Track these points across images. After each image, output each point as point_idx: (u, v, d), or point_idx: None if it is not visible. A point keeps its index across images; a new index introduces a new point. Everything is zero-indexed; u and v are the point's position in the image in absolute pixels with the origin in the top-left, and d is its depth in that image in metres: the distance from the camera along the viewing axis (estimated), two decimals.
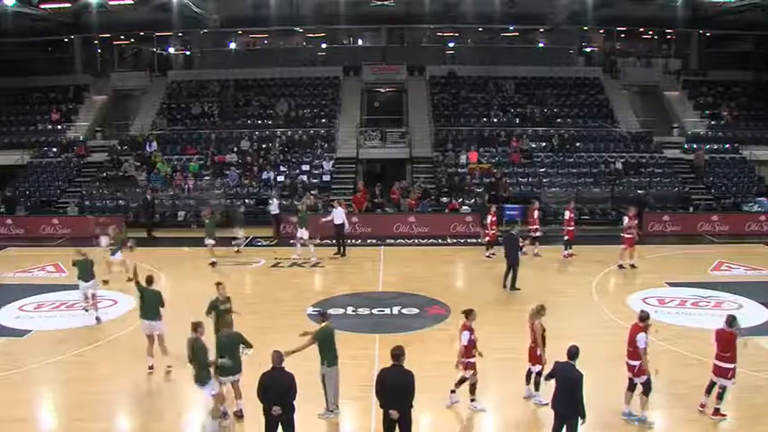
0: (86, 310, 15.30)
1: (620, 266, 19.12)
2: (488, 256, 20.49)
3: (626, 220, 19.22)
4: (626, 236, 19.00)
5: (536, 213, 20.99)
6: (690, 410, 10.49)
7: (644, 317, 10.24)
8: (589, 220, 24.89)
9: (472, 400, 10.60)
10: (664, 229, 24.31)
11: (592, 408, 10.19)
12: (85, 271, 14.98)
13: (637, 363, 9.94)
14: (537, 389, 10.70)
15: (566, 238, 20.51)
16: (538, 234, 20.89)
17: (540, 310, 10.60)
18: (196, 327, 9.98)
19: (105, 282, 16.89)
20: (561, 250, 20.63)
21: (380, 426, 8.71)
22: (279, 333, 13.20)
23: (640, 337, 9.90)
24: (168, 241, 23.80)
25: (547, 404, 9.95)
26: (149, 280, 12.55)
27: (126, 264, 16.72)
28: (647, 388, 9.98)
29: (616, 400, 10.55)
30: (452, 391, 10.70)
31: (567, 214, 20.51)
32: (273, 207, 24.32)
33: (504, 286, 17.27)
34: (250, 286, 18.95)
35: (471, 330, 10.41)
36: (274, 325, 14.32)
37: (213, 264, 19.89)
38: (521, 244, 17.73)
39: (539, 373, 10.51)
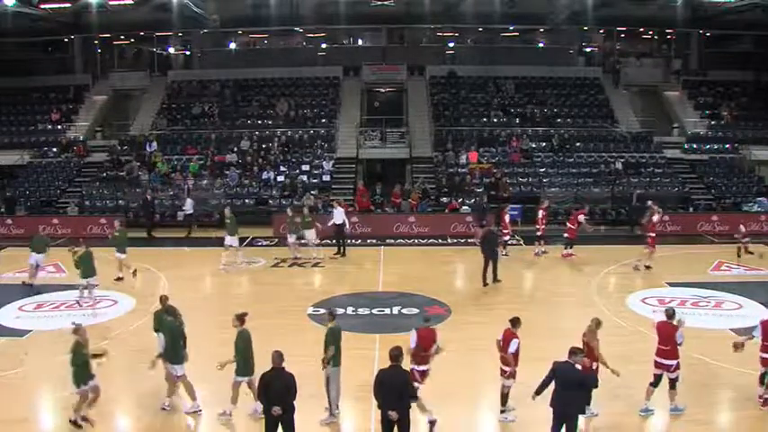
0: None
1: (647, 267, 18.93)
2: (505, 254, 20.57)
3: (655, 216, 18.99)
4: (651, 234, 18.87)
5: (540, 213, 21.13)
6: (690, 410, 10.48)
7: (671, 314, 10.38)
8: (589, 221, 24.77)
9: (502, 411, 10.34)
10: (664, 229, 24.23)
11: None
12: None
13: (674, 362, 10.09)
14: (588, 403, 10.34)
15: (565, 235, 20.56)
16: (540, 233, 21.01)
17: (600, 324, 10.21)
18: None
19: None
20: (562, 250, 20.66)
21: (380, 426, 8.70)
22: (279, 333, 13.22)
23: (680, 334, 10.05)
24: (168, 241, 23.84)
25: (597, 415, 10.09)
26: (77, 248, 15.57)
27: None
28: (675, 383, 10.22)
29: (616, 400, 10.57)
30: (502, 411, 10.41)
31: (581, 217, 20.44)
32: (188, 207, 24.68)
33: (485, 284, 17.43)
34: (250, 286, 18.97)
35: (518, 339, 10.17)
36: (274, 325, 14.31)
37: (121, 279, 18.12)
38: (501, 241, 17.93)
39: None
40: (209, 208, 25.85)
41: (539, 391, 8.96)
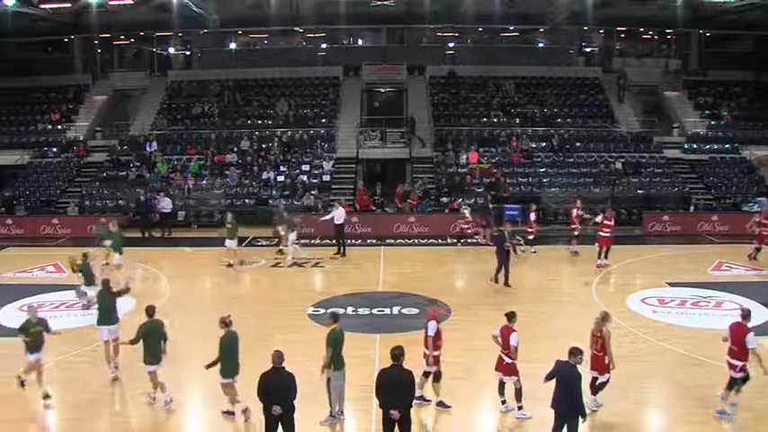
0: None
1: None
2: (534, 252, 21.01)
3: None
4: None
5: (575, 212, 21.26)
6: (690, 410, 10.48)
7: (746, 315, 10.37)
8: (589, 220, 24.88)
9: (519, 408, 10.26)
10: (664, 229, 24.31)
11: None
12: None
13: (740, 363, 10.08)
14: (594, 393, 10.37)
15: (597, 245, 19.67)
16: (576, 233, 21.11)
17: (606, 317, 10.28)
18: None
19: None
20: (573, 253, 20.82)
21: (381, 426, 8.70)
22: (279, 333, 13.23)
23: (750, 338, 10.03)
24: (167, 241, 23.82)
25: (601, 405, 10.14)
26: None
27: None
28: (732, 384, 10.21)
29: (616, 400, 10.56)
30: (503, 402, 10.47)
31: (600, 218, 19.89)
32: (166, 207, 24.86)
33: (495, 281, 17.41)
34: (250, 286, 18.96)
35: (517, 332, 10.20)
36: (274, 325, 14.32)
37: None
38: (507, 245, 17.58)
39: (604, 383, 10.30)
40: (208, 207, 25.85)
41: (547, 379, 8.97)
